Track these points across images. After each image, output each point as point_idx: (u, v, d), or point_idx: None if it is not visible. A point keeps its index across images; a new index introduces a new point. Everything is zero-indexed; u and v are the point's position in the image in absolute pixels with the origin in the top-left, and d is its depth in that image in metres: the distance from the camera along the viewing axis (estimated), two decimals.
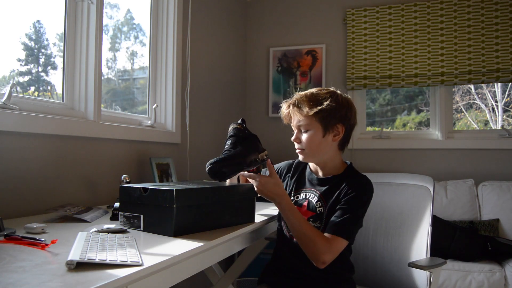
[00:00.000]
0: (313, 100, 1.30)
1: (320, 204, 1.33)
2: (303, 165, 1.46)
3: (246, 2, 3.55)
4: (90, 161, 1.73)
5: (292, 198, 1.39)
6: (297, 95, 1.35)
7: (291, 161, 1.51)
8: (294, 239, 1.32)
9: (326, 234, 1.24)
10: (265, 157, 1.32)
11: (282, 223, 1.39)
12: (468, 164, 2.97)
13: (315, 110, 1.28)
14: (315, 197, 1.35)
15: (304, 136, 1.32)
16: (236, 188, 1.30)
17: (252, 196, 1.33)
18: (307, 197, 1.37)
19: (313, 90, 1.35)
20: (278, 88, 3.41)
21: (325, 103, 1.29)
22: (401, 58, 3.09)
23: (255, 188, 1.27)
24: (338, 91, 1.36)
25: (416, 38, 3.06)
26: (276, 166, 1.51)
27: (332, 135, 1.32)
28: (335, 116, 1.30)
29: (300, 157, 1.37)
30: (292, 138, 1.36)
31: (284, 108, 1.37)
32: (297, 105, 1.31)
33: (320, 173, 1.39)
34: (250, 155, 1.26)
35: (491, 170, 2.91)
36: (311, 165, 1.43)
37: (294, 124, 1.35)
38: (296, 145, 1.36)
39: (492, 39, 2.90)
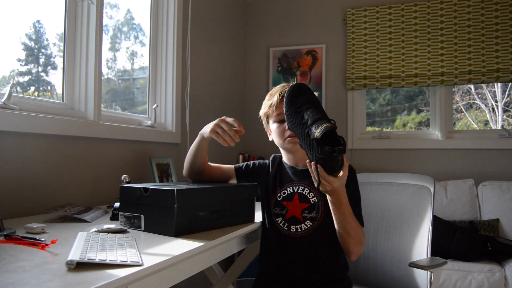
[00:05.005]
0: None
1: (314, 195, 1.36)
2: (278, 161, 1.48)
3: (246, 2, 3.55)
4: (90, 161, 1.72)
5: (278, 193, 1.40)
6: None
7: (261, 161, 1.52)
8: (292, 236, 1.33)
9: None
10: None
11: (279, 220, 1.37)
12: (468, 164, 2.97)
13: None
14: (306, 189, 1.37)
15: None
16: (236, 188, 1.30)
17: (252, 196, 1.33)
18: (295, 190, 1.39)
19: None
20: None
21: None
22: (401, 58, 3.09)
23: (326, 189, 1.17)
24: None
25: (416, 38, 3.06)
26: (249, 163, 1.50)
27: None
28: None
29: (291, 145, 1.38)
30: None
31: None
32: None
33: (300, 165, 1.42)
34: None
35: (491, 170, 2.91)
36: (288, 159, 1.45)
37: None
38: (290, 133, 1.36)
39: (492, 39, 2.90)
